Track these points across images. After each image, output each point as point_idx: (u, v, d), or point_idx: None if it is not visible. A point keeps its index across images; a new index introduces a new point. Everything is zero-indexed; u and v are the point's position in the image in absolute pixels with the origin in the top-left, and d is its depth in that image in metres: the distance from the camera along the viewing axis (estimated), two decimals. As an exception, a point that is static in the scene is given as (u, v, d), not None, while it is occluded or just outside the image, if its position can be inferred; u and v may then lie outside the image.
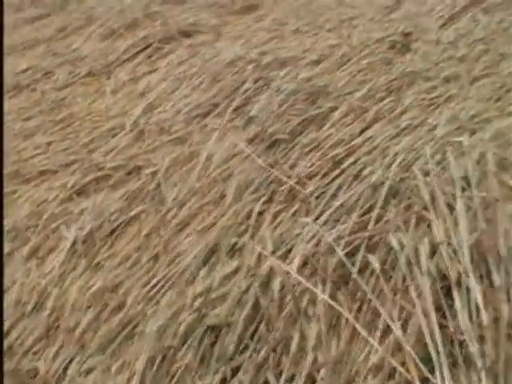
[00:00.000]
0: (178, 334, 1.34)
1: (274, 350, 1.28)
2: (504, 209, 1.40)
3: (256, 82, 2.33)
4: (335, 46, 2.63)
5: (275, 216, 1.65)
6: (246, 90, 2.28)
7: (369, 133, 1.92)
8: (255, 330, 1.34)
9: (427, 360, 1.17)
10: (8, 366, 1.40)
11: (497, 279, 1.25)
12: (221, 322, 1.35)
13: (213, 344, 1.33)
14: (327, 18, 3.05)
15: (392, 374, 1.19)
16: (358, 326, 1.25)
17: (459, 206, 1.41)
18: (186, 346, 1.33)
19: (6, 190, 1.98)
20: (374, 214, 1.53)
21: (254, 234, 1.59)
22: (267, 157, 1.88)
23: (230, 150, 1.93)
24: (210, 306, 1.39)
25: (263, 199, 1.71)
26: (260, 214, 1.66)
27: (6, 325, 1.50)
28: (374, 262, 1.35)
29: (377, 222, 1.51)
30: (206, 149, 1.94)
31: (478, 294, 1.22)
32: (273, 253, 1.48)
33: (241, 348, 1.31)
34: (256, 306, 1.38)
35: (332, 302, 1.30)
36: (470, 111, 1.92)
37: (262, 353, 1.28)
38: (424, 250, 1.31)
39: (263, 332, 1.33)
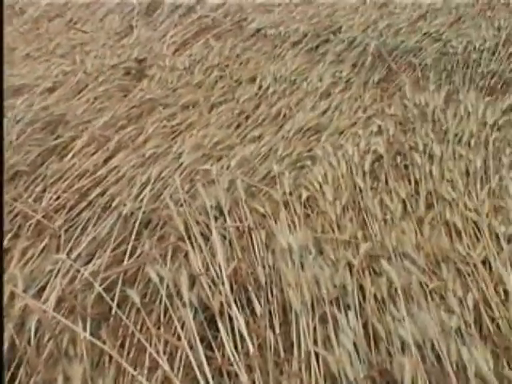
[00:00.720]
0: None
1: (37, 395, 1.25)
2: (258, 236, 1.48)
3: (-10, 112, 2.23)
4: (69, 73, 2.61)
5: (24, 252, 1.60)
6: (-20, 122, 2.18)
7: (113, 162, 1.93)
8: (14, 375, 1.29)
9: (198, 393, 1.20)
10: None
11: (258, 307, 1.32)
12: (-25, 369, 1.29)
13: (-31, 396, 1.27)
14: (58, 42, 3.00)
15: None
16: (123, 363, 1.26)
17: (214, 235, 1.47)
18: None
19: None
20: (129, 246, 1.55)
21: (3, 272, 1.53)
22: (9, 190, 1.82)
23: (-32, 185, 1.84)
24: (-39, 354, 1.31)
25: (9, 235, 1.65)
26: (7, 250, 1.60)
27: None
28: (134, 295, 1.36)
29: (132, 254, 1.54)
30: None
31: (241, 323, 1.28)
32: (25, 291, 1.43)
33: (0, 396, 1.26)
34: (12, 348, 1.33)
35: (94, 340, 1.28)
36: (213, 138, 2.02)
37: (24, 399, 1.24)
38: (184, 281, 1.33)
39: (23, 376, 1.28)
